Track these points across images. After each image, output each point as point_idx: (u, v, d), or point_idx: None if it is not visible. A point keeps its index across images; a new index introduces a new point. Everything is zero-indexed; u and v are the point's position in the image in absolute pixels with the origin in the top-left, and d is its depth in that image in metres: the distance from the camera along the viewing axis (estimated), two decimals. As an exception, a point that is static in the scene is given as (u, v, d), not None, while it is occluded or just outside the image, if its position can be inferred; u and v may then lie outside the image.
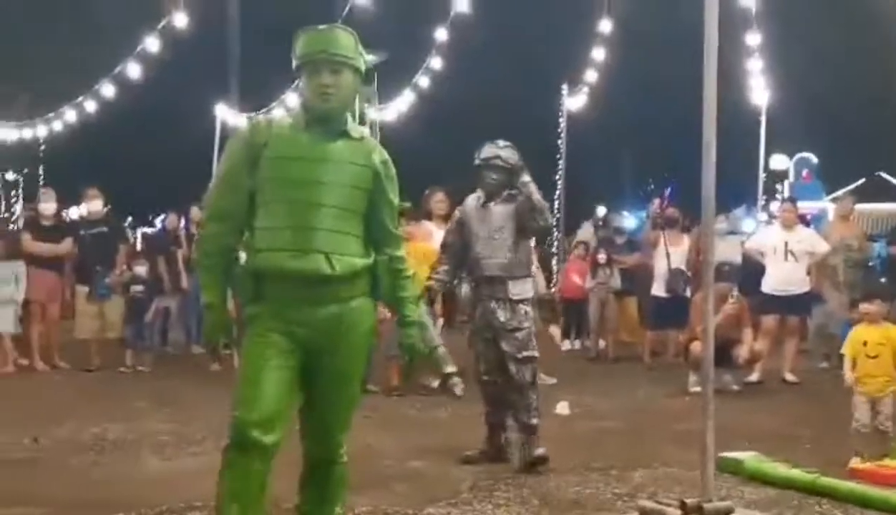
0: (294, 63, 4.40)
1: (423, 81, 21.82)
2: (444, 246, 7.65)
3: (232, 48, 27.53)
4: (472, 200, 7.48)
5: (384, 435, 8.13)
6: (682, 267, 13.25)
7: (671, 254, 13.22)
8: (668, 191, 18.13)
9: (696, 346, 9.96)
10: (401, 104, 22.54)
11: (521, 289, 7.27)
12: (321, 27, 4.46)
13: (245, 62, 28.19)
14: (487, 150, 7.35)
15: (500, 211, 7.32)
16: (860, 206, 17.17)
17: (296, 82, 4.79)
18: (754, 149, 21.73)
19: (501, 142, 7.38)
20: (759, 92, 21.16)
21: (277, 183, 4.27)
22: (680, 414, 9.19)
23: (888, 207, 27.40)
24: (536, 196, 7.22)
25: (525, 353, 7.18)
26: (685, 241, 13.54)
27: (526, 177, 7.26)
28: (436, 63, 21.19)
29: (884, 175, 32.95)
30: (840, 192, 21.73)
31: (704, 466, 5.51)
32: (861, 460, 7.09)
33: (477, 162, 7.37)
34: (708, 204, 5.55)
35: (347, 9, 19.24)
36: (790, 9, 21.59)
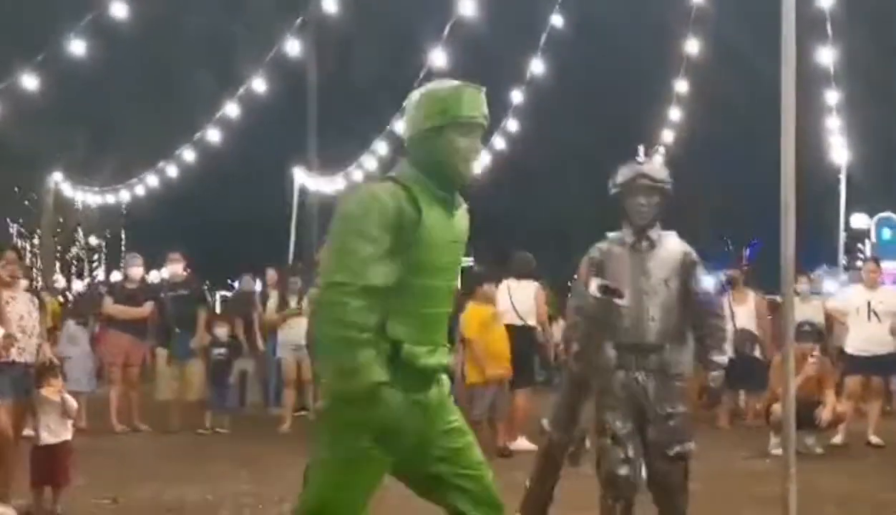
0: (437, 119, 3.91)
1: (500, 143, 21.95)
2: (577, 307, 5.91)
3: (310, 112, 27.90)
4: (616, 239, 5.95)
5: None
6: (749, 327, 13.10)
7: (736, 313, 13.06)
8: (747, 251, 17.98)
9: (776, 408, 9.82)
10: (478, 166, 22.64)
11: (679, 360, 5.84)
12: (472, 86, 4.03)
13: (322, 126, 28.56)
14: (627, 169, 5.91)
15: (664, 255, 5.83)
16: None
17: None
18: (835, 209, 21.50)
19: (642, 158, 5.96)
20: (839, 150, 20.97)
21: (425, 266, 3.87)
22: (761, 476, 9.03)
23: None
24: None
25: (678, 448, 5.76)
26: (750, 300, 13.40)
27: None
28: (512, 125, 21.33)
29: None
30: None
31: (787, 530, 5.40)
32: None
33: (615, 189, 5.92)
34: (788, 264, 5.49)
35: (424, 72, 19.43)
36: (869, 66, 21.41)
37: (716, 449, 11.15)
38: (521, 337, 11.15)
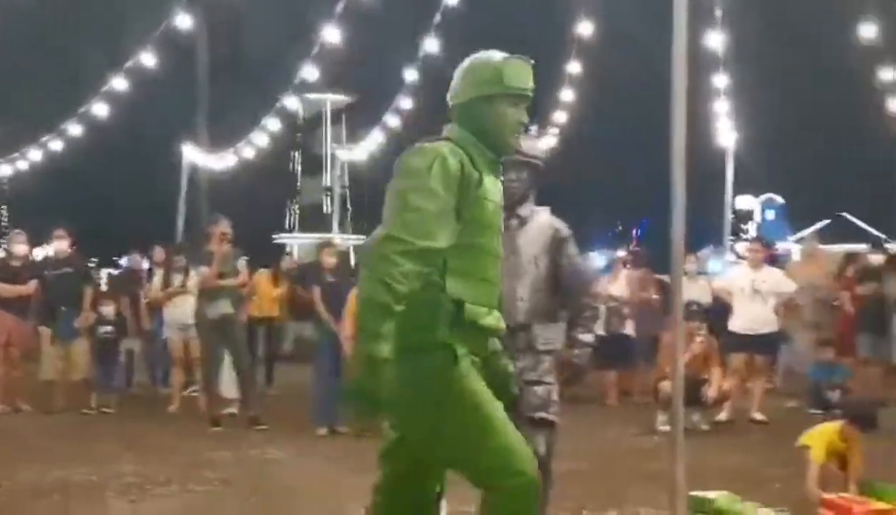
0: (488, 88, 3.92)
1: (393, 121, 21.89)
2: None
3: (200, 87, 27.48)
4: None
5: (352, 477, 8.05)
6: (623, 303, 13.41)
7: (611, 290, 13.34)
8: (637, 231, 18.23)
9: (664, 385, 9.99)
10: (370, 144, 22.58)
11: (549, 336, 5.66)
12: (523, 58, 4.05)
13: (212, 102, 28.17)
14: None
15: (533, 232, 5.65)
16: (825, 247, 17.30)
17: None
18: (721, 190, 21.91)
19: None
20: (726, 133, 21.36)
21: (482, 227, 3.84)
22: (649, 453, 9.17)
23: (852, 248, 27.64)
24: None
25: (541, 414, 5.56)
26: (622, 277, 13.66)
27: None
28: (405, 103, 21.28)
29: (848, 216, 33.31)
30: (805, 232, 21.89)
31: (675, 506, 5.48)
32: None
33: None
34: (677, 244, 5.56)
35: (317, 49, 19.28)
36: (758, 52, 21.83)
37: (604, 427, 11.32)
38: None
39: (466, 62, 4.05)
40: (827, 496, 7.08)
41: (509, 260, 5.26)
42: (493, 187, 3.89)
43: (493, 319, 3.91)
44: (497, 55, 4.00)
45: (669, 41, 5.60)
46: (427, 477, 3.96)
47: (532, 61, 4.05)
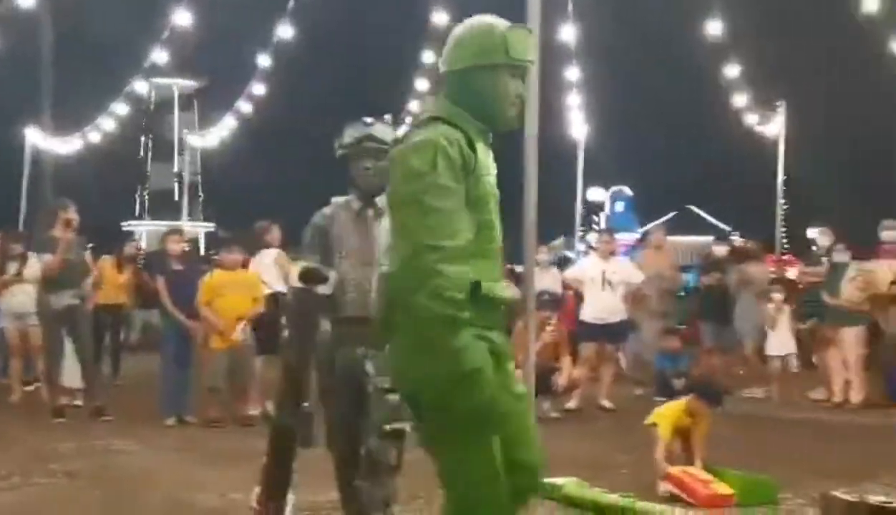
0: (489, 57, 3.67)
1: (245, 107, 21.61)
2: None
3: (44, 69, 26.65)
4: (342, 204, 5.62)
5: (201, 468, 7.93)
6: None
7: None
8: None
9: (517, 374, 10.12)
10: (222, 130, 22.25)
11: None
12: (525, 27, 3.81)
13: (57, 85, 27.35)
14: (354, 130, 5.56)
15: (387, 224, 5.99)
16: (672, 238, 17.75)
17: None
18: (572, 182, 22.25)
19: (370, 120, 5.60)
20: (578, 126, 21.68)
21: (483, 202, 3.64)
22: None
23: (698, 239, 28.47)
24: None
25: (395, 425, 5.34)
26: None
27: None
28: (258, 89, 21.03)
29: (694, 208, 34.23)
30: (652, 224, 22.41)
31: (526, 493, 5.54)
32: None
33: (341, 151, 5.58)
34: (529, 234, 5.62)
35: (167, 33, 18.89)
36: (609, 46, 22.24)
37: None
38: (267, 303, 11.06)
39: (464, 27, 3.81)
40: (672, 470, 7.30)
41: (364, 250, 5.34)
42: (487, 159, 3.71)
43: (507, 291, 3.75)
44: (499, 22, 3.75)
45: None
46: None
47: (532, 31, 3.85)
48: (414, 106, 21.95)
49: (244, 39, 21.37)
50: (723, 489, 7.13)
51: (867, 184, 28.19)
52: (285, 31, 19.16)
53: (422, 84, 21.50)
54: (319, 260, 5.33)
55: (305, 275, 5.16)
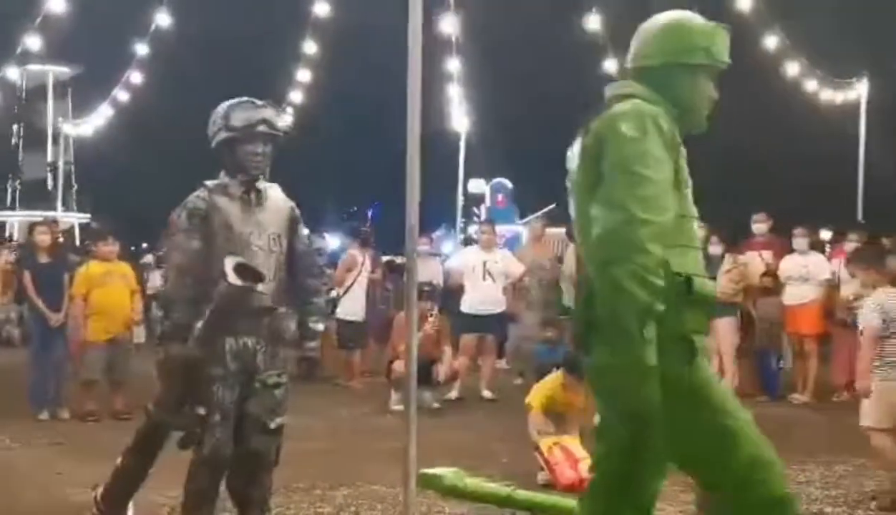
0: (692, 56, 3.51)
1: (123, 96, 21.20)
2: (181, 265, 5.10)
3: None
4: (218, 189, 5.23)
5: (76, 463, 7.78)
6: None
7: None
8: (370, 212, 18.36)
9: (398, 365, 10.17)
10: (98, 119, 21.78)
11: (289, 324, 5.43)
12: (725, 27, 3.63)
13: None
14: (244, 113, 5.23)
15: (273, 209, 5.35)
16: (552, 230, 17.93)
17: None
18: (453, 173, 22.32)
19: (259, 102, 5.31)
20: (459, 118, 21.76)
21: (680, 191, 3.39)
22: (383, 432, 9.28)
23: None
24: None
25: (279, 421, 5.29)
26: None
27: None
28: (136, 77, 20.65)
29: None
30: (532, 216, 22.62)
31: (406, 483, 5.57)
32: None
33: (228, 133, 5.21)
34: (412, 226, 5.62)
35: (39, 20, 18.41)
36: (491, 39, 22.37)
37: (338, 406, 11.36)
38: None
39: (662, 21, 3.62)
40: (543, 442, 7.43)
41: (251, 237, 5.15)
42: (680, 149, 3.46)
43: (714, 288, 3.52)
44: (699, 20, 3.60)
45: (405, 24, 5.66)
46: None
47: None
48: (295, 96, 21.82)
49: (121, 26, 20.96)
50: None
51: (738, 179, 28.92)
52: (163, 18, 18.84)
53: (303, 75, 21.34)
54: (199, 247, 5.03)
55: (243, 272, 4.91)
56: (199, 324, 4.96)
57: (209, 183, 5.22)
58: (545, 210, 30.11)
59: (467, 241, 18.38)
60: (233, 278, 4.86)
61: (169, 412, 5.08)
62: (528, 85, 28.73)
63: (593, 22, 19.26)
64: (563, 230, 27.47)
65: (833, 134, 21.00)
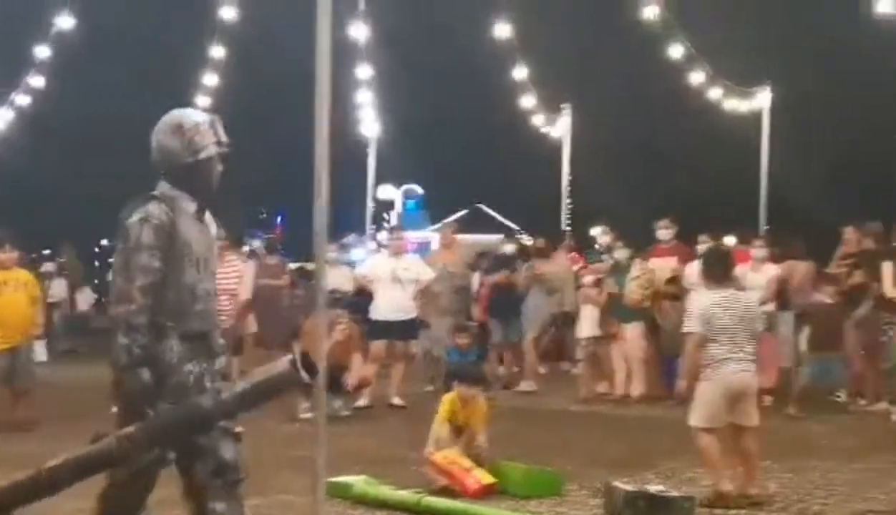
0: None
1: (23, 100, 20.77)
2: (145, 286, 4.63)
3: None
4: (172, 202, 4.79)
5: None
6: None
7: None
8: (279, 218, 18.23)
9: (307, 373, 10.08)
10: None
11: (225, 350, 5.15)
12: None
13: None
14: (221, 128, 4.92)
15: (213, 229, 5.06)
16: (462, 236, 18.00)
17: None
18: (363, 179, 22.28)
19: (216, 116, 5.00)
20: (369, 124, 21.72)
21: None
22: (292, 440, 9.21)
23: (487, 238, 28.93)
24: None
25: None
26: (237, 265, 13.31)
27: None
28: (37, 81, 20.26)
29: (483, 207, 34.81)
30: (443, 222, 22.67)
31: (315, 492, 5.52)
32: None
33: (219, 149, 4.87)
34: (320, 232, 5.59)
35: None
36: (400, 45, 22.36)
37: (248, 414, 11.23)
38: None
39: None
40: (435, 456, 7.45)
41: (208, 255, 4.91)
42: None
43: None
44: None
45: (314, 28, 5.62)
46: None
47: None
48: (201, 101, 21.57)
49: (20, 29, 20.51)
50: (485, 478, 7.33)
51: (646, 185, 29.31)
52: (65, 21, 18.50)
53: (210, 79, 21.12)
54: (162, 267, 4.64)
55: (306, 364, 4.41)
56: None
57: (160, 194, 4.79)
58: (455, 216, 30.24)
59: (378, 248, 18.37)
60: (303, 375, 4.39)
61: (139, 448, 4.54)
62: (440, 90, 28.81)
63: (502, 29, 19.36)
64: (475, 236, 27.55)
65: (737, 142, 21.38)
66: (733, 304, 7.19)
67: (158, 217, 4.67)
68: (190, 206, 4.81)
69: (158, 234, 4.64)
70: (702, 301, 7.43)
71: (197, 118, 4.90)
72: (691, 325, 7.40)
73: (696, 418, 7.13)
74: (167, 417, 4.57)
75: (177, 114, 4.89)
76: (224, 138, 4.88)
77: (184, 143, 4.79)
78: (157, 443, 4.59)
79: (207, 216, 4.95)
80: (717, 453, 7.09)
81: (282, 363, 4.38)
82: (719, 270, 7.55)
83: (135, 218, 4.68)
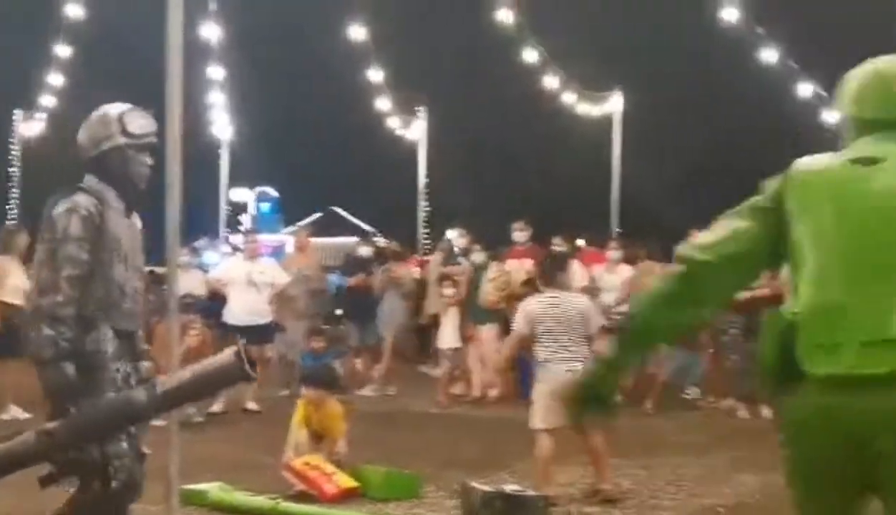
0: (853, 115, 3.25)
1: None
2: (73, 277, 4.52)
3: None
4: (97, 196, 4.68)
5: None
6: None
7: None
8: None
9: (160, 379, 9.87)
10: None
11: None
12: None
13: None
14: (142, 121, 4.83)
15: (138, 226, 4.93)
16: (317, 239, 17.90)
17: None
18: (215, 181, 22.02)
19: (145, 111, 4.94)
20: (222, 125, 21.49)
21: None
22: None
23: (342, 240, 28.84)
24: None
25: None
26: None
27: None
28: None
29: (337, 210, 34.70)
30: (297, 225, 22.54)
31: (168, 500, 5.43)
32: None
33: (124, 139, 4.74)
34: (172, 235, 5.49)
35: None
36: (254, 46, 22.13)
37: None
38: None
39: None
40: (294, 462, 7.41)
41: (135, 252, 4.81)
42: None
43: None
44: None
45: (164, 29, 5.52)
46: None
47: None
48: (47, 101, 20.99)
49: None
50: (345, 482, 7.32)
51: (502, 187, 29.61)
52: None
53: (55, 79, 20.56)
54: (90, 260, 4.52)
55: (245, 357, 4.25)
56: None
57: (87, 186, 4.69)
58: (310, 219, 30.07)
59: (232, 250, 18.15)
60: (248, 367, 4.23)
61: (60, 445, 4.36)
62: (294, 92, 28.60)
63: (358, 32, 19.34)
64: (331, 239, 27.43)
65: (590, 146, 21.76)
66: (558, 306, 7.41)
67: (87, 208, 4.56)
68: (116, 201, 4.70)
69: (86, 226, 4.53)
70: (530, 303, 7.63)
71: (107, 110, 4.83)
72: (516, 325, 7.61)
73: (534, 419, 7.30)
74: (96, 412, 4.39)
75: (94, 111, 4.84)
76: (138, 130, 4.75)
77: (88, 136, 4.77)
78: (82, 440, 4.41)
79: (134, 214, 4.83)
80: (550, 456, 7.25)
81: (226, 354, 4.21)
82: (549, 274, 7.78)
83: (61, 208, 4.57)
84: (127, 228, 4.74)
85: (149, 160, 4.81)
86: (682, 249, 3.25)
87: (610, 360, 3.32)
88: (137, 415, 4.41)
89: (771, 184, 3.21)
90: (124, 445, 4.59)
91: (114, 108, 4.83)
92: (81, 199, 4.59)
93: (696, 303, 3.23)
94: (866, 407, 2.88)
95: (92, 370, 4.54)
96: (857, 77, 3.30)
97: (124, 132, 4.73)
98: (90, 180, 4.72)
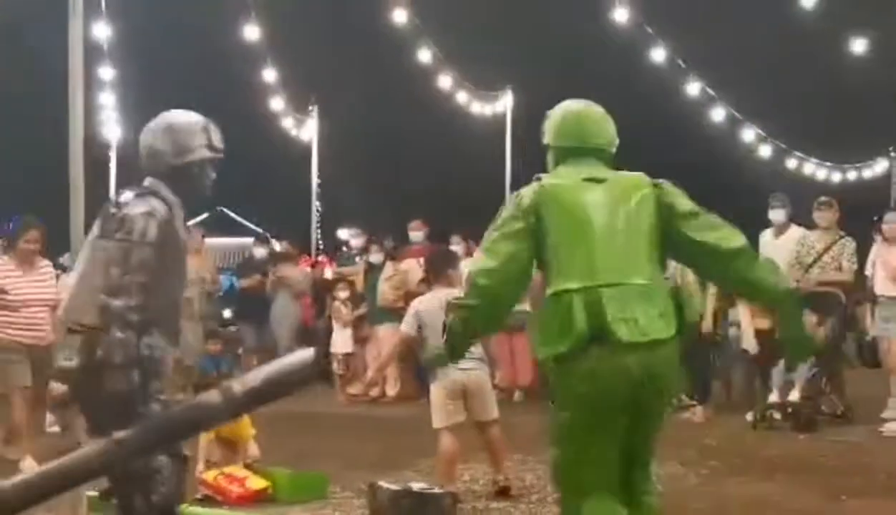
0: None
1: None
2: (144, 283, 4.41)
3: None
4: (169, 204, 4.61)
5: None
6: None
7: None
8: (10, 225, 17.45)
9: (55, 386, 9.65)
10: None
11: None
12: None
13: None
14: (219, 134, 4.79)
15: None
16: (210, 240, 17.69)
17: None
18: (105, 184, 21.64)
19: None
20: (112, 127, 21.16)
21: None
22: (39, 456, 8.84)
23: (235, 241, 28.61)
24: None
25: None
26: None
27: None
28: None
29: (225, 210, 34.40)
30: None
31: (75, 509, 5.36)
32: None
33: (211, 154, 4.72)
34: (77, 239, 5.45)
35: None
36: (144, 46, 21.82)
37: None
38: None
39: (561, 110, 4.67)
40: (206, 475, 7.36)
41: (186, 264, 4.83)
42: None
43: None
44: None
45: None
46: None
47: None
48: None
49: None
50: (255, 483, 7.30)
51: (397, 187, 29.65)
52: None
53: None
54: (157, 268, 4.41)
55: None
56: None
57: (158, 191, 4.59)
58: (198, 219, 29.73)
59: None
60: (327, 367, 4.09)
61: (142, 450, 3.99)
62: (184, 92, 28.25)
63: (251, 32, 19.22)
64: (222, 240, 27.16)
65: (483, 144, 21.89)
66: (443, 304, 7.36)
67: (163, 216, 4.48)
68: (179, 211, 4.63)
69: (161, 234, 4.44)
70: (421, 302, 7.62)
71: (189, 119, 4.72)
72: (403, 325, 7.60)
73: (434, 419, 7.37)
74: (167, 419, 4.10)
75: (168, 115, 4.73)
76: (218, 143, 4.71)
77: (173, 142, 4.62)
78: (153, 449, 4.15)
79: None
80: (454, 454, 7.33)
81: (304, 353, 3.91)
82: (434, 271, 7.86)
83: (139, 209, 4.44)
84: (185, 239, 4.73)
85: (213, 172, 4.75)
86: (472, 271, 4.40)
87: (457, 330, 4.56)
88: (212, 420, 4.15)
89: (524, 199, 4.27)
90: (164, 457, 4.46)
91: (196, 118, 4.76)
92: (157, 205, 4.50)
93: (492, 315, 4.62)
94: (639, 363, 4.19)
95: (151, 374, 4.45)
96: (556, 116, 4.53)
97: (209, 145, 4.69)
98: (157, 185, 4.61)
